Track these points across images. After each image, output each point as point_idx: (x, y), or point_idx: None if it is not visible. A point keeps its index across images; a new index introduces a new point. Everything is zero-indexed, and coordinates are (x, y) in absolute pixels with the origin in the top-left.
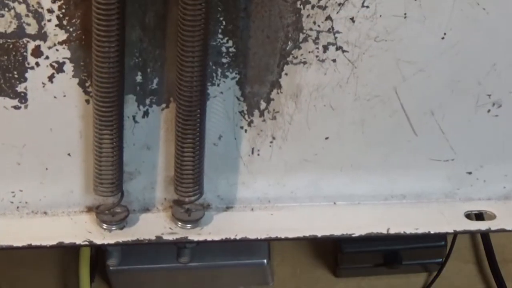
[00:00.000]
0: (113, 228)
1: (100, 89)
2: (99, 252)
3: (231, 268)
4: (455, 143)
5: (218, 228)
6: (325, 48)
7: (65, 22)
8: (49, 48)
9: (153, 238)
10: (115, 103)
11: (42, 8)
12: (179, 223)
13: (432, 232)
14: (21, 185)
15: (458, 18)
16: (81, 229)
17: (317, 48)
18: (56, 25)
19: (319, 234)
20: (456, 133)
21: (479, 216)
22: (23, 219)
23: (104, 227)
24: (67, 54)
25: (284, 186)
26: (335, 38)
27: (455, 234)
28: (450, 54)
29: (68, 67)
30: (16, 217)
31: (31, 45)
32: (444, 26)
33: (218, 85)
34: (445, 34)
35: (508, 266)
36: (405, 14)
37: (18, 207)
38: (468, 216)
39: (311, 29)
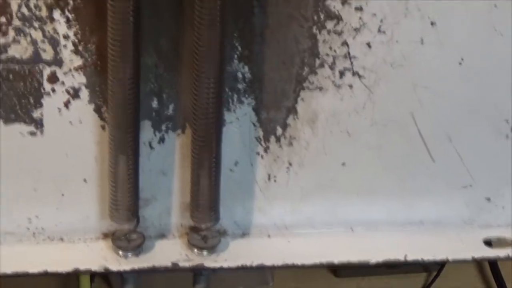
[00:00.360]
0: (129, 255)
1: (115, 115)
2: None
3: None
4: (474, 169)
5: (234, 254)
6: (342, 74)
7: (80, 48)
8: (65, 74)
9: (169, 264)
10: (130, 129)
11: (57, 34)
12: (195, 249)
13: (450, 259)
14: (37, 211)
15: (475, 43)
16: (97, 256)
17: (334, 73)
18: (71, 51)
19: (336, 260)
20: (475, 159)
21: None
22: (39, 245)
23: (120, 253)
24: (83, 79)
25: (300, 212)
26: (352, 63)
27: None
28: (467, 79)
29: (84, 92)
30: (33, 243)
31: (47, 71)
32: (461, 51)
33: (234, 111)
34: (462, 59)
35: (508, 266)
36: (421, 39)
37: (34, 233)
38: (487, 242)
39: (327, 55)
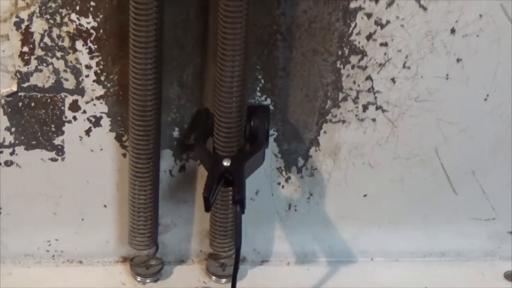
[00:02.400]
0: (147, 281)
1: (136, 144)
2: None
3: None
4: (497, 202)
5: (253, 282)
6: (365, 108)
7: (102, 78)
8: (87, 102)
9: None
10: (151, 158)
11: (80, 64)
12: (213, 277)
13: None
14: (57, 234)
15: (501, 79)
16: (115, 280)
17: (357, 107)
18: (93, 81)
19: None
20: (498, 193)
21: None
22: (58, 267)
23: (138, 279)
24: (104, 108)
25: (321, 241)
26: (375, 97)
27: None
28: (493, 115)
29: (105, 121)
30: (52, 265)
31: (68, 100)
32: (487, 87)
33: None
34: (488, 95)
35: None
36: (447, 75)
37: (53, 256)
38: (508, 276)
39: (351, 89)
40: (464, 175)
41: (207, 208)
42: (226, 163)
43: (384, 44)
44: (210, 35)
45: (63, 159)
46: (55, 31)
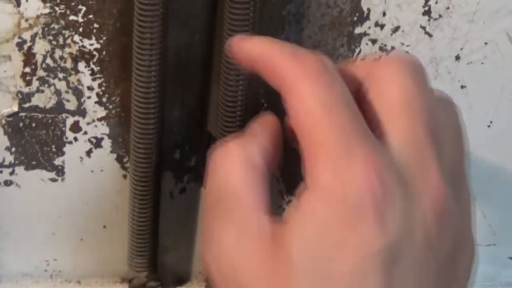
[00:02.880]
0: None
1: (137, 166)
2: None
3: None
4: (498, 228)
5: None
6: None
7: (104, 100)
8: (88, 124)
9: None
10: (152, 181)
11: (82, 85)
12: None
13: None
14: (56, 254)
15: (505, 107)
16: None
17: None
18: (95, 102)
19: None
20: (499, 219)
21: None
22: (56, 287)
23: None
24: (106, 130)
25: None
26: None
27: None
28: (496, 141)
29: (106, 142)
30: (49, 285)
31: (70, 121)
32: (491, 114)
33: None
34: (491, 122)
35: None
36: None
37: (51, 275)
38: None
39: None
40: None
41: None
42: None
43: None
44: (214, 58)
45: (63, 180)
46: (58, 52)
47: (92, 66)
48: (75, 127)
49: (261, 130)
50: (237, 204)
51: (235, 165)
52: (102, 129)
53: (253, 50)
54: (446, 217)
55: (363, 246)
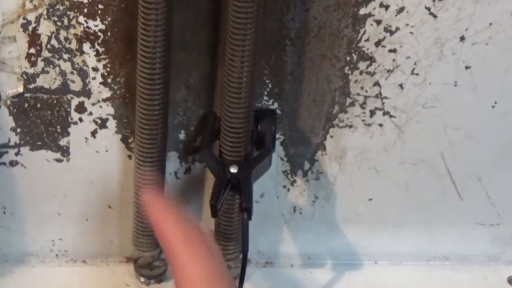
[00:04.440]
0: (151, 282)
1: (142, 147)
2: None
3: None
4: (502, 208)
5: (256, 284)
6: (372, 113)
7: (109, 80)
8: (93, 104)
9: None
10: (157, 161)
11: (87, 66)
12: None
13: None
14: (61, 234)
15: (509, 88)
16: (119, 281)
17: (364, 112)
18: (100, 83)
19: None
20: (503, 199)
21: None
22: (62, 267)
23: (142, 280)
24: (111, 111)
25: (324, 244)
26: (383, 103)
27: None
28: (500, 122)
29: (111, 123)
30: (55, 265)
31: (75, 101)
32: (495, 95)
33: None
34: (495, 102)
35: None
36: (455, 82)
37: (57, 255)
38: (511, 281)
39: (358, 94)
40: (470, 180)
41: (214, 214)
42: (233, 170)
43: (393, 51)
44: (219, 40)
45: (68, 160)
46: (63, 33)
47: (97, 47)
48: (80, 108)
49: None
50: None
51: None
52: (107, 110)
53: (157, 218)
54: None
55: None
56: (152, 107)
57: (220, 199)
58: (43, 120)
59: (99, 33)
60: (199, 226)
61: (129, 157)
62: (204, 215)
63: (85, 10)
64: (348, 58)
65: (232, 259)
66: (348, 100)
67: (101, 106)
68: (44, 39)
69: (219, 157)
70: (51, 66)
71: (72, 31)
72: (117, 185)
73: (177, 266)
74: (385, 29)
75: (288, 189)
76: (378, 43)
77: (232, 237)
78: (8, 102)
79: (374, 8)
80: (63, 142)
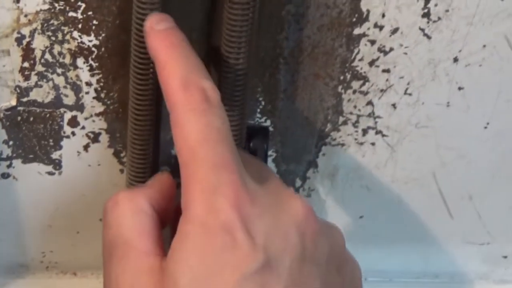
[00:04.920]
0: None
1: (134, 162)
2: None
3: None
4: (492, 227)
5: None
6: (365, 132)
7: (102, 95)
8: (86, 119)
9: None
10: (148, 176)
11: (80, 81)
12: None
13: None
14: (52, 246)
15: (502, 109)
16: None
17: (356, 131)
18: (93, 98)
19: None
20: (494, 218)
21: None
22: (51, 279)
23: None
24: (104, 125)
25: None
26: (375, 122)
27: None
28: (492, 142)
29: (104, 137)
30: (45, 276)
31: (68, 115)
32: (487, 116)
33: None
34: (488, 123)
35: None
36: (448, 102)
37: (47, 267)
38: None
39: (351, 113)
40: (461, 199)
41: None
42: None
43: (387, 71)
44: (212, 57)
45: (60, 173)
46: (57, 48)
47: (91, 62)
48: (73, 122)
49: (151, 183)
50: (129, 249)
51: (125, 214)
52: (100, 124)
53: (160, 44)
54: (315, 232)
55: (240, 268)
56: (144, 122)
57: None
58: (35, 133)
59: (93, 48)
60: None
61: (121, 171)
62: None
63: (80, 26)
64: (341, 77)
65: None
66: (341, 119)
67: (93, 121)
68: (38, 53)
69: None
70: (44, 80)
71: (66, 46)
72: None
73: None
74: (379, 49)
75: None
76: (371, 63)
77: None
78: (1, 115)
79: (368, 28)
80: (55, 155)
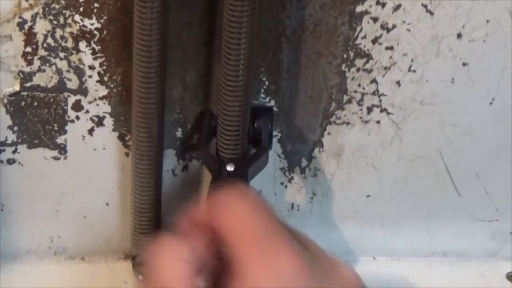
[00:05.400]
0: None
1: (139, 145)
2: None
3: None
4: (500, 204)
5: None
6: (369, 110)
7: (106, 79)
8: (90, 102)
9: None
10: (154, 159)
11: (83, 64)
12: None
13: None
14: (59, 231)
15: (507, 84)
16: (117, 278)
17: (361, 109)
18: (97, 81)
19: None
20: (502, 194)
21: None
22: (60, 264)
23: (140, 278)
24: (108, 109)
25: (323, 240)
26: (380, 100)
27: None
28: (498, 118)
29: (108, 121)
30: (54, 262)
31: (71, 99)
32: (492, 91)
33: None
34: (493, 99)
35: None
36: (452, 79)
37: (55, 252)
38: (509, 277)
39: (355, 91)
40: (468, 176)
41: None
42: (230, 168)
43: (390, 48)
44: (215, 37)
45: (65, 158)
46: (59, 32)
47: (93, 45)
48: (77, 106)
49: (192, 232)
50: None
51: (170, 262)
52: (104, 108)
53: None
54: None
55: None
56: (148, 105)
57: None
58: (40, 118)
59: (95, 32)
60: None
61: (127, 154)
62: None
63: (81, 9)
64: (344, 56)
65: None
66: (345, 97)
67: (97, 104)
68: (40, 37)
69: (215, 155)
70: (47, 64)
71: (68, 29)
72: (115, 182)
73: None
74: (382, 27)
75: (286, 186)
76: (375, 41)
77: None
78: (5, 100)
79: (370, 6)
80: (60, 140)
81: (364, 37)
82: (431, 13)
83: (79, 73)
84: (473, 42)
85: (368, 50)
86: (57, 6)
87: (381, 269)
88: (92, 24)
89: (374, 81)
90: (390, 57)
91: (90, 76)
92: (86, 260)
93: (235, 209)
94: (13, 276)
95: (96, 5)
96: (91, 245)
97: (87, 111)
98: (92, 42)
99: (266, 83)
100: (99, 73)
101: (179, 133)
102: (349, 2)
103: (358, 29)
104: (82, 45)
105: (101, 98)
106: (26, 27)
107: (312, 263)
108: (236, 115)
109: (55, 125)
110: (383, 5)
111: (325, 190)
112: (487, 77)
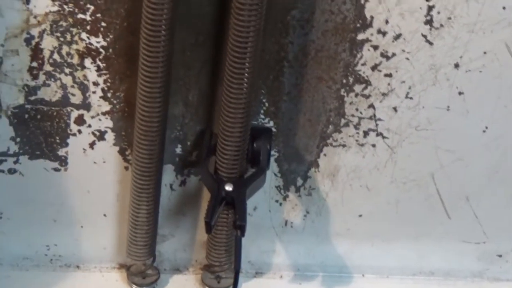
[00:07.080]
0: None
1: (139, 161)
2: None
3: None
4: (488, 227)
5: None
6: (366, 134)
7: (109, 95)
8: (92, 117)
9: None
10: (153, 174)
11: (87, 80)
12: None
13: None
14: (56, 240)
15: (501, 113)
16: (111, 287)
17: (358, 133)
18: (100, 97)
19: None
20: (490, 218)
21: None
22: (55, 272)
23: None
24: (109, 124)
25: (314, 256)
26: (376, 125)
27: None
28: (490, 146)
29: (110, 136)
30: (49, 269)
31: (74, 114)
32: (486, 120)
33: None
34: (486, 127)
35: None
36: (448, 106)
37: (51, 260)
38: None
39: (353, 115)
40: (458, 200)
41: (208, 231)
42: (228, 188)
43: (389, 75)
44: (218, 59)
45: (66, 170)
46: (65, 49)
47: (99, 62)
48: (80, 120)
49: None
50: None
51: None
52: (106, 123)
53: None
54: None
55: None
56: (151, 123)
57: (214, 216)
58: (42, 130)
59: (101, 49)
60: None
61: (126, 168)
62: (195, 224)
63: (88, 27)
64: (344, 81)
65: (224, 270)
66: (343, 121)
67: (100, 119)
68: (46, 53)
69: (214, 174)
70: (52, 79)
71: (74, 46)
72: (113, 195)
73: None
74: (382, 54)
75: (281, 204)
76: (374, 67)
77: (225, 248)
78: (9, 112)
79: (371, 34)
80: (61, 152)
81: (364, 64)
82: (430, 43)
83: (83, 88)
84: (470, 72)
85: (367, 76)
86: (64, 24)
87: (370, 286)
88: (98, 42)
89: (371, 106)
90: (389, 84)
91: (94, 92)
92: (81, 268)
93: None
94: (10, 282)
95: (103, 24)
96: (87, 254)
97: (89, 125)
98: (97, 60)
99: (266, 104)
100: (102, 89)
101: (178, 150)
102: (351, 29)
103: (359, 56)
104: (88, 62)
105: (103, 113)
106: (33, 42)
107: None
108: (237, 136)
109: (57, 137)
110: (384, 33)
111: (319, 209)
112: (482, 106)
